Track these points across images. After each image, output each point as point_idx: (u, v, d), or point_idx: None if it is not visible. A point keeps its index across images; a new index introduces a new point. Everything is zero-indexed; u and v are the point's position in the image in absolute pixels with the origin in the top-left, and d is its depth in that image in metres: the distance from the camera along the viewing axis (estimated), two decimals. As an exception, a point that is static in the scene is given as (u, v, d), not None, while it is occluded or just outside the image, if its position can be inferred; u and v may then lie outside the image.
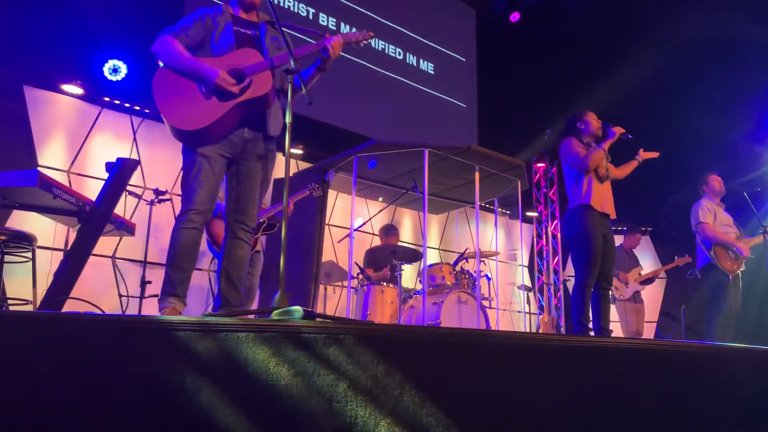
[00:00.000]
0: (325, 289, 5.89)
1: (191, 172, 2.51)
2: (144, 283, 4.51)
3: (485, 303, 5.25)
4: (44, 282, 3.59)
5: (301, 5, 6.84)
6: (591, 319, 3.88)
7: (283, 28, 2.49)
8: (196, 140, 2.49)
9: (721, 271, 4.76)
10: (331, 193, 6.24)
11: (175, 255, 2.46)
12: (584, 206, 3.92)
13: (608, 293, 3.98)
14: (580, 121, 4.11)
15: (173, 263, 2.47)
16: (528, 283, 8.24)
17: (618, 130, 4.01)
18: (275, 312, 1.83)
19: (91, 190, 5.00)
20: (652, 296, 8.32)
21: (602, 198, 3.95)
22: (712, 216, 4.89)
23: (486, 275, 5.75)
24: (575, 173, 4.01)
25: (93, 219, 2.90)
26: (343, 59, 6.91)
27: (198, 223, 2.49)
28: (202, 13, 2.63)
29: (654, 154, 4.23)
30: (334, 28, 7.09)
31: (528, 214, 9.12)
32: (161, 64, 2.56)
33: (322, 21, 7.03)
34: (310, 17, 6.90)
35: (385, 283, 5.04)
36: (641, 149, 4.23)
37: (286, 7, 6.66)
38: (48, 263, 4.52)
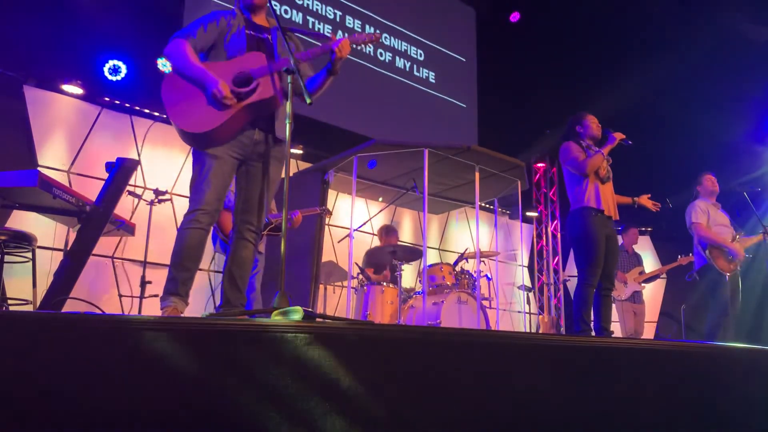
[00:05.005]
0: (325, 289, 5.89)
1: (200, 172, 2.51)
2: (144, 283, 4.51)
3: (485, 303, 5.24)
4: (44, 282, 3.58)
5: (301, 5, 6.83)
6: (592, 318, 3.90)
7: (290, 30, 2.50)
8: (205, 142, 2.50)
9: (718, 271, 4.75)
10: (331, 193, 6.24)
11: (179, 254, 2.47)
12: (586, 208, 3.96)
13: (610, 293, 4.00)
14: (578, 125, 4.14)
15: (177, 262, 2.47)
16: (528, 283, 8.24)
17: (618, 136, 4.02)
18: (275, 312, 1.83)
19: (91, 190, 5.00)
20: (652, 296, 8.32)
21: (604, 199, 3.97)
22: (705, 216, 4.89)
23: (486, 275, 5.75)
24: (576, 176, 4.05)
25: (93, 219, 2.90)
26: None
27: (205, 223, 2.49)
28: (216, 15, 2.64)
29: (655, 206, 4.33)
30: (333, 28, 7.08)
31: (528, 214, 9.12)
32: (169, 69, 2.57)
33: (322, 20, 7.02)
34: (310, 17, 6.90)
35: (385, 283, 5.03)
36: (646, 195, 4.31)
37: (284, 9, 6.65)
38: (48, 263, 4.51)
